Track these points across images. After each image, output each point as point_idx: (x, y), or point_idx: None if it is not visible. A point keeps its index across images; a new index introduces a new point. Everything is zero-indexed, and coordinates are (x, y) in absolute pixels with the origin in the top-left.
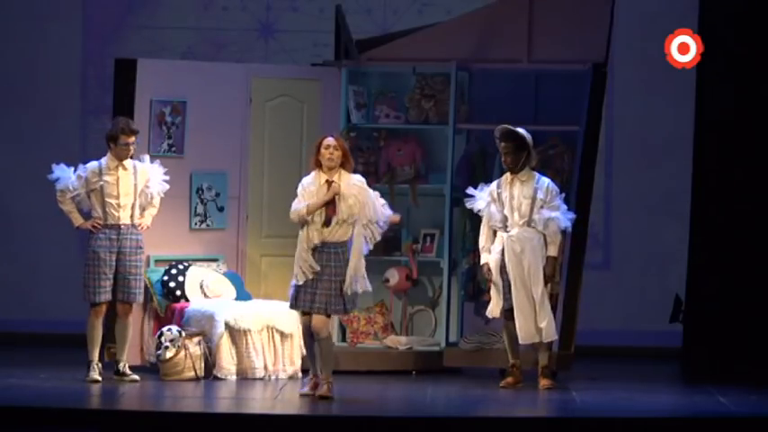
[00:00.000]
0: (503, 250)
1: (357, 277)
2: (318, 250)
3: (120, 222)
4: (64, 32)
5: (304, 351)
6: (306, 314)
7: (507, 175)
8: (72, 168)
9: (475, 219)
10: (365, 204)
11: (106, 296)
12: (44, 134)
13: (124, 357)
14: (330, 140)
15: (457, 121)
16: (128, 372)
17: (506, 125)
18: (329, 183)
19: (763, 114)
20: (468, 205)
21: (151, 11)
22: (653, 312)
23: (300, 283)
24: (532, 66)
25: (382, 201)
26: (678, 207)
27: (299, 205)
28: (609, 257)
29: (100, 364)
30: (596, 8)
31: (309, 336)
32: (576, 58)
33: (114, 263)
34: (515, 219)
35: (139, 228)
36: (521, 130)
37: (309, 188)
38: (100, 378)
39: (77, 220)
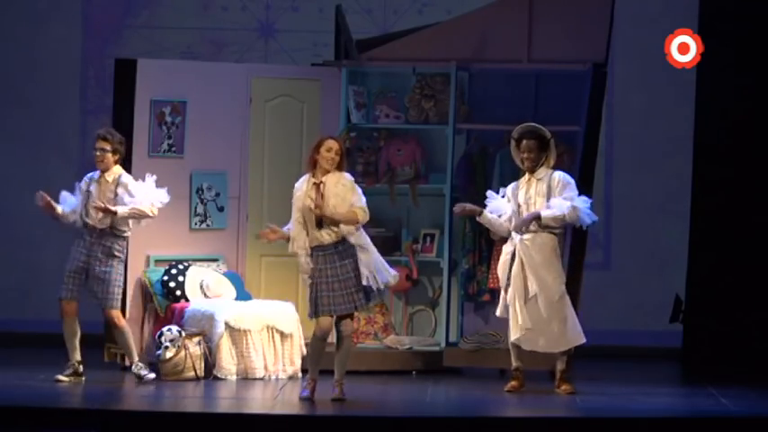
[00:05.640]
0: (513, 252)
1: (375, 269)
2: (325, 253)
3: (98, 226)
4: (64, 32)
5: (304, 350)
6: (329, 318)
7: (525, 176)
8: (70, 194)
9: (474, 219)
10: (344, 200)
11: (67, 293)
12: (44, 134)
13: (135, 358)
14: (333, 143)
15: (457, 121)
16: (141, 373)
17: (530, 123)
18: (317, 185)
19: (764, 114)
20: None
21: (151, 11)
22: (653, 312)
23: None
24: (532, 66)
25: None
26: (678, 207)
27: (291, 246)
28: (609, 257)
29: (77, 365)
30: (596, 8)
31: (322, 339)
32: (576, 58)
33: (84, 265)
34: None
35: (100, 207)
36: (545, 129)
37: (296, 194)
38: (66, 379)
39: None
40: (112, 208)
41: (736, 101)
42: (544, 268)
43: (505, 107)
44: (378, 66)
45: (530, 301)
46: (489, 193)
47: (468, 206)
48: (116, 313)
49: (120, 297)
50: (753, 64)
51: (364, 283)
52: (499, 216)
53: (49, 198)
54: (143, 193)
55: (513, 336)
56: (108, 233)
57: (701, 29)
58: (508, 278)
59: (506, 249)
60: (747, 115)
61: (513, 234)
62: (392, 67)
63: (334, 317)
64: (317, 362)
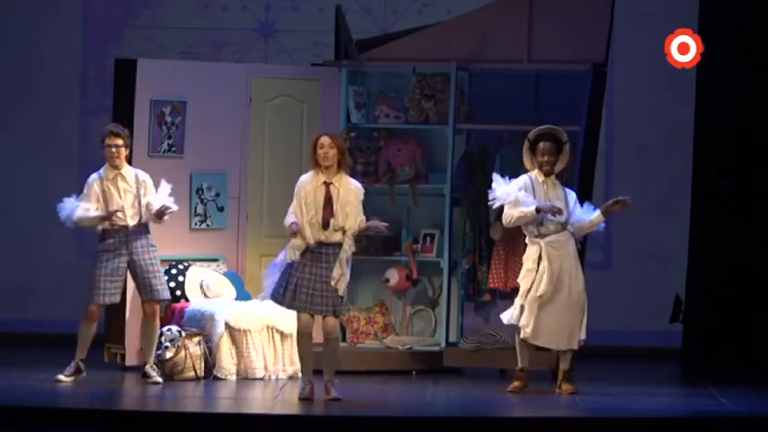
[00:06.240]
0: (539, 257)
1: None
2: (315, 251)
3: (129, 224)
4: (64, 32)
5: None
6: (304, 313)
7: (536, 175)
8: (73, 197)
9: (474, 219)
10: (359, 213)
11: (109, 299)
12: (44, 134)
13: (151, 359)
14: (325, 139)
15: (457, 121)
16: (151, 374)
17: (550, 125)
18: (327, 185)
19: (763, 114)
20: (496, 203)
21: (151, 11)
22: (653, 312)
23: (292, 259)
24: (532, 66)
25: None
26: (678, 207)
27: (288, 219)
28: (609, 257)
29: (80, 363)
30: (596, 8)
31: (307, 335)
32: (576, 58)
33: (125, 266)
34: (552, 219)
35: (166, 210)
36: (563, 132)
37: (306, 188)
38: (67, 380)
39: (98, 214)
40: (172, 206)
41: (736, 101)
42: (571, 266)
43: (505, 107)
44: (378, 66)
45: (553, 300)
46: (495, 175)
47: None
48: (159, 306)
49: (167, 288)
50: (753, 64)
51: (340, 293)
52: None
53: (113, 210)
54: (161, 199)
55: (524, 334)
56: (140, 226)
57: (701, 29)
58: (530, 287)
59: (532, 258)
60: (747, 115)
61: (536, 240)
62: (392, 67)
63: (314, 314)
64: (308, 361)
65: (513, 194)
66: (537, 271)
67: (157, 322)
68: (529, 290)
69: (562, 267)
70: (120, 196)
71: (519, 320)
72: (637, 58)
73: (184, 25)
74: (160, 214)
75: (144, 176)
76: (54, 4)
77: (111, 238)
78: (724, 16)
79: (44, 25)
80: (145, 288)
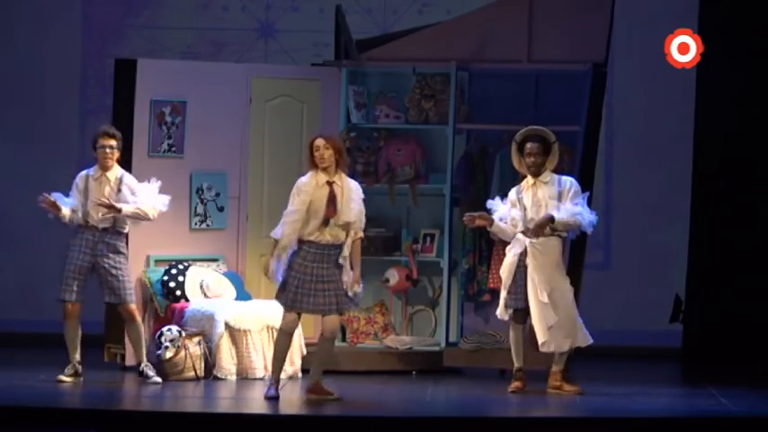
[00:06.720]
0: (522, 253)
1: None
2: (314, 251)
3: (99, 225)
4: (64, 32)
5: (304, 350)
6: (295, 313)
7: (528, 180)
8: (62, 196)
9: None
10: (361, 211)
11: (70, 295)
12: (44, 134)
13: (143, 358)
14: (319, 141)
15: (457, 121)
16: (149, 373)
17: (536, 126)
18: (330, 184)
19: (763, 114)
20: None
21: (151, 11)
22: (653, 312)
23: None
24: (532, 66)
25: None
26: (678, 207)
27: (279, 230)
28: (609, 257)
29: (77, 365)
30: (596, 8)
31: (288, 335)
32: (576, 58)
33: (88, 266)
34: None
35: (104, 204)
36: (550, 132)
37: (305, 188)
38: (68, 380)
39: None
40: (117, 205)
41: (736, 101)
42: (556, 270)
43: (505, 107)
44: (378, 66)
45: (544, 305)
46: (490, 202)
47: (479, 218)
48: (134, 307)
49: (133, 291)
50: (753, 64)
51: (349, 292)
52: (503, 221)
53: (53, 199)
54: (146, 195)
55: (542, 339)
56: (110, 231)
57: (701, 29)
58: (513, 280)
59: (514, 251)
60: (747, 115)
61: (520, 236)
62: (392, 67)
63: (301, 315)
64: (281, 359)
65: (510, 216)
66: (517, 268)
67: (138, 322)
68: (511, 285)
69: (546, 272)
70: (98, 195)
71: (505, 315)
72: (637, 58)
73: (184, 25)
74: (102, 204)
75: (129, 180)
76: (54, 4)
77: (80, 234)
78: (724, 16)
79: (44, 25)
80: (106, 291)
